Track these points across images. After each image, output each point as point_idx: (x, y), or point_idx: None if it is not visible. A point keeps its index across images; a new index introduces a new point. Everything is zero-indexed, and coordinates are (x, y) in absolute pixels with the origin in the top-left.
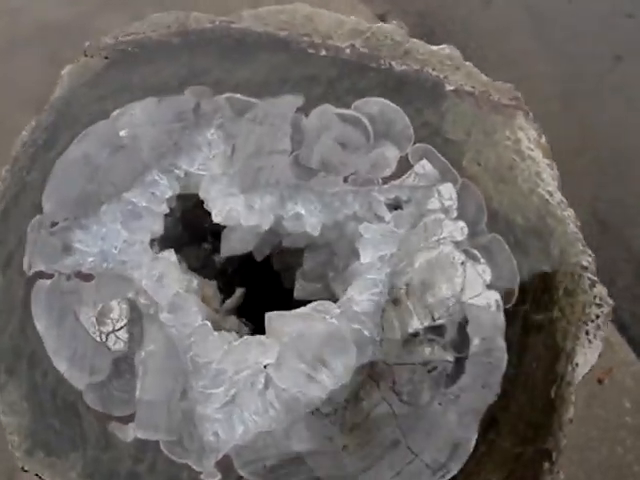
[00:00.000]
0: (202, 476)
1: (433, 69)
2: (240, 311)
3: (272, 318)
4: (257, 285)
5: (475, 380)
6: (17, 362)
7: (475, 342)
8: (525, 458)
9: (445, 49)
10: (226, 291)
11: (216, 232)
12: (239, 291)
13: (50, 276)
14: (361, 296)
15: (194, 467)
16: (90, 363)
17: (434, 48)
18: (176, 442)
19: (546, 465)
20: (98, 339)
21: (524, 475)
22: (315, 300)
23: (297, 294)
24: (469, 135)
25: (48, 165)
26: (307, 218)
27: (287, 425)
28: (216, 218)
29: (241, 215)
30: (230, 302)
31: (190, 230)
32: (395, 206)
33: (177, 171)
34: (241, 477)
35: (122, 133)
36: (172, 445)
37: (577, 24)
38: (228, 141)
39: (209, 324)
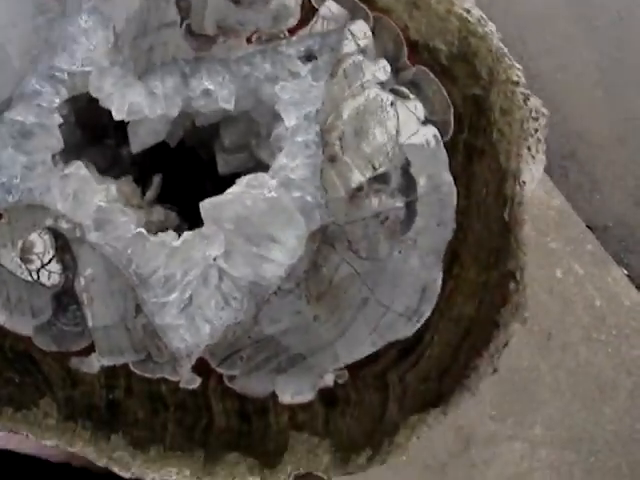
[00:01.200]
0: (181, 384)
1: None
2: (161, 198)
3: (207, 207)
4: (172, 166)
5: (429, 220)
6: None
7: (421, 182)
8: (492, 284)
9: None
10: (142, 182)
11: (118, 124)
12: (156, 178)
13: None
14: (295, 161)
15: (171, 378)
16: (29, 305)
17: None
18: (145, 359)
19: (512, 285)
20: (29, 279)
21: (493, 299)
22: (240, 172)
23: (221, 170)
24: None
25: None
26: (217, 92)
27: (253, 311)
28: (117, 115)
29: (144, 106)
30: (150, 192)
31: (89, 130)
32: (308, 58)
33: (58, 74)
34: (221, 375)
35: None
36: (142, 363)
37: (621, 10)
38: (106, 25)
39: (144, 231)
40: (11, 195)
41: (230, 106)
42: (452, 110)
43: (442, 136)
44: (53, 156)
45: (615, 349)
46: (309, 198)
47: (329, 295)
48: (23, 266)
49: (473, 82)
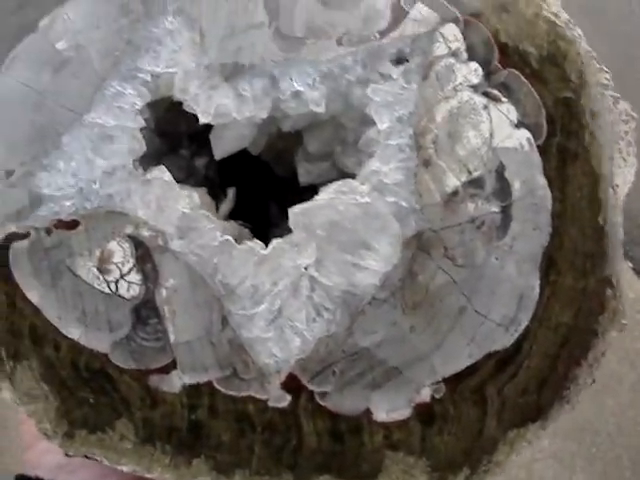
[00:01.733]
0: (270, 403)
1: None
2: (231, 214)
3: (297, 213)
4: (241, 182)
5: (525, 225)
6: (18, 343)
7: (516, 186)
8: (589, 290)
9: None
10: (212, 196)
11: (193, 134)
12: (231, 192)
13: (25, 235)
14: (388, 165)
15: (258, 396)
16: (107, 319)
17: None
18: (231, 376)
19: (609, 292)
20: (107, 290)
21: (591, 307)
22: (322, 182)
23: (302, 179)
24: None
25: None
26: (308, 94)
27: (346, 323)
28: (203, 118)
29: (232, 108)
30: (225, 206)
31: (165, 139)
32: (399, 60)
33: (141, 75)
34: (312, 392)
35: (60, 45)
36: (227, 381)
37: (633, 2)
38: (192, 26)
39: (231, 239)
40: (89, 201)
41: (321, 109)
42: (544, 113)
43: (535, 139)
44: (134, 161)
45: (619, 341)
46: (404, 203)
47: (425, 304)
48: (101, 277)
49: (563, 85)
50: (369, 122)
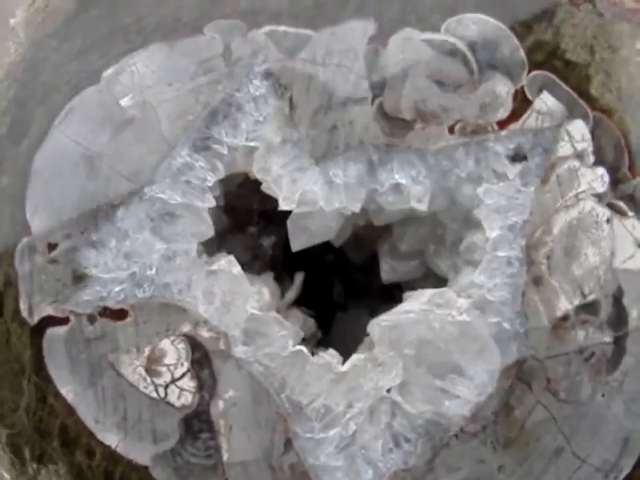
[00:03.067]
0: None
1: None
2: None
3: (383, 328)
4: (307, 265)
5: (639, 359)
6: (46, 444)
7: (634, 315)
8: None
9: None
10: (277, 279)
11: (263, 211)
12: (299, 277)
13: (64, 320)
14: (493, 280)
15: None
16: (151, 428)
17: None
18: None
19: None
20: (154, 395)
21: None
22: (404, 280)
23: (386, 277)
24: (592, 53)
25: (21, 162)
26: (410, 188)
27: (428, 456)
28: (285, 204)
29: (320, 196)
30: (292, 293)
31: (233, 215)
32: (518, 157)
33: (216, 146)
34: None
35: (125, 102)
36: None
37: None
38: (282, 94)
39: (304, 350)
40: (143, 289)
41: (423, 207)
42: None
43: None
44: (199, 245)
45: None
46: (507, 325)
47: (519, 443)
48: (148, 379)
49: None
50: (474, 225)
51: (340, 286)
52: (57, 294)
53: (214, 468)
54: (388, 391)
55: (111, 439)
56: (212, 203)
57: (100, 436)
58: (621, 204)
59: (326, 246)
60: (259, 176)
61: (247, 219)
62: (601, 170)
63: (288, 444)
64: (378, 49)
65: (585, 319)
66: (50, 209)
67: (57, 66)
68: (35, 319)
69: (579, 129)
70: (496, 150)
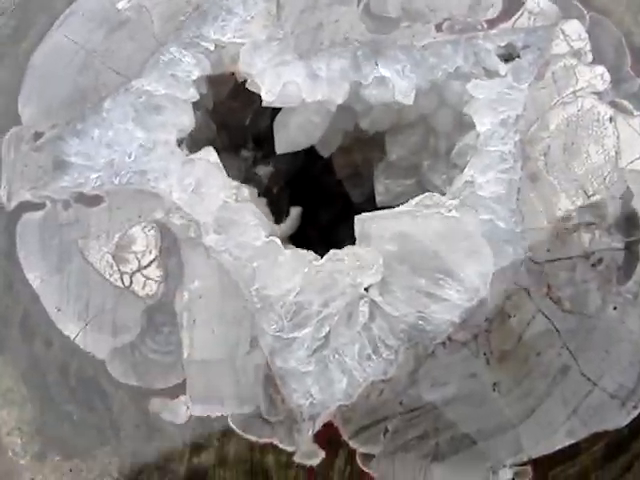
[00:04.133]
0: (296, 457)
1: None
2: (293, 239)
3: (364, 220)
4: (309, 206)
5: None
6: (6, 331)
7: None
8: None
9: None
10: (274, 215)
11: (258, 136)
12: (295, 211)
13: (40, 206)
14: (485, 176)
15: (283, 447)
16: (112, 319)
17: None
18: (252, 414)
19: None
20: (119, 283)
21: None
22: (400, 202)
23: (380, 198)
24: None
25: (21, 59)
26: (395, 81)
27: (410, 366)
28: (267, 97)
29: (303, 88)
30: (286, 225)
31: (225, 132)
32: (509, 56)
33: (204, 43)
34: (354, 451)
35: (121, 4)
36: (246, 420)
37: None
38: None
39: (277, 241)
40: (119, 177)
41: (409, 100)
42: None
43: None
44: (180, 140)
45: None
46: (501, 224)
47: (516, 356)
48: (115, 266)
49: None
50: (466, 127)
51: (346, 230)
52: (37, 180)
53: (173, 366)
54: (367, 290)
55: (71, 329)
56: (195, 96)
57: (60, 325)
58: (625, 103)
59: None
60: (243, 70)
61: (241, 141)
62: (601, 68)
63: (254, 343)
64: None
65: (590, 221)
66: (41, 101)
67: None
68: (12, 204)
69: (575, 29)
70: (486, 47)
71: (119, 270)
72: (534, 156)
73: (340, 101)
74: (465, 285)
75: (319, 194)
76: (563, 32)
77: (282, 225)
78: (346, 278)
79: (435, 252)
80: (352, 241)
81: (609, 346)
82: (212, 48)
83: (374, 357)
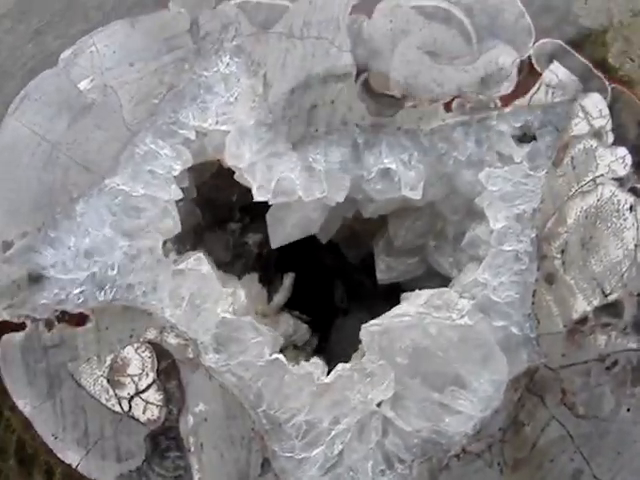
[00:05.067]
0: None
1: None
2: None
3: (372, 332)
4: (299, 264)
5: None
6: (2, 461)
7: None
8: None
9: None
10: (265, 281)
11: (246, 206)
12: (288, 279)
13: (21, 326)
14: (499, 278)
15: None
16: (114, 446)
17: None
18: None
19: None
20: (118, 409)
21: None
22: (403, 280)
23: (381, 277)
24: (610, 17)
25: None
26: (401, 174)
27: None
28: (259, 195)
29: (298, 185)
30: (280, 296)
31: (209, 209)
32: (525, 137)
33: (183, 132)
34: None
35: (83, 85)
36: None
37: None
38: (255, 71)
39: (282, 358)
40: (104, 291)
41: (417, 195)
42: None
43: None
44: (164, 243)
45: None
46: (515, 330)
47: (530, 463)
48: (111, 391)
49: None
50: (477, 215)
51: (342, 289)
52: (12, 297)
53: None
54: (379, 405)
55: (71, 457)
56: (179, 195)
57: (60, 454)
58: None
59: (326, 247)
60: (230, 163)
61: (227, 215)
62: (622, 150)
63: (266, 464)
64: (362, 19)
65: (606, 322)
66: (5, 204)
67: (11, 49)
68: None
69: (595, 104)
70: (500, 129)
71: (116, 395)
72: (551, 255)
73: (340, 199)
74: (479, 395)
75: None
76: (583, 108)
77: (276, 297)
78: (356, 394)
79: (447, 362)
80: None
81: (622, 447)
82: (193, 137)
83: (388, 472)
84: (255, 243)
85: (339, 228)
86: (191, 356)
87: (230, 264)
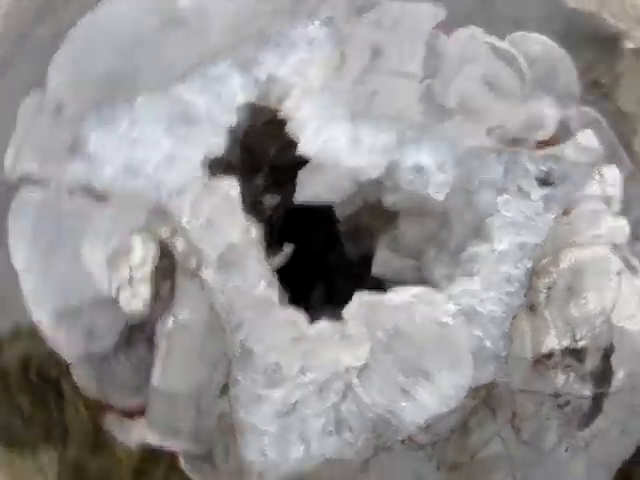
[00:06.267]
0: None
1: (612, 16)
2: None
3: (363, 302)
4: (302, 243)
5: (613, 425)
6: None
7: (619, 376)
8: None
9: None
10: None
11: (277, 165)
12: (288, 248)
13: (43, 185)
14: (488, 293)
15: None
16: (89, 322)
17: None
18: (203, 456)
19: None
20: (105, 289)
21: None
22: (396, 282)
23: (376, 269)
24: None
25: (65, 22)
26: (432, 173)
27: (368, 453)
28: (303, 148)
29: (342, 149)
30: (278, 260)
31: (246, 154)
32: (546, 181)
33: (257, 71)
34: None
35: (183, 3)
36: (197, 460)
37: None
38: (337, 44)
39: (275, 297)
40: (135, 178)
41: (440, 196)
42: None
43: None
44: (205, 159)
45: None
46: (489, 343)
47: (466, 470)
48: (106, 272)
49: None
50: (482, 236)
51: (321, 291)
52: (50, 154)
53: (138, 389)
54: (347, 371)
55: (43, 318)
56: (233, 121)
57: (34, 312)
58: (636, 262)
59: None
60: (287, 113)
61: (257, 165)
62: (624, 222)
63: (225, 390)
64: (442, 35)
65: (569, 364)
66: (73, 72)
67: None
68: (16, 173)
69: (613, 175)
70: (527, 167)
71: (109, 277)
72: (538, 288)
73: (375, 176)
74: (440, 392)
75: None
76: (601, 175)
77: (275, 259)
78: (329, 353)
79: (421, 352)
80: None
81: None
82: (263, 78)
83: (335, 436)
84: (270, 205)
85: (350, 215)
86: (192, 266)
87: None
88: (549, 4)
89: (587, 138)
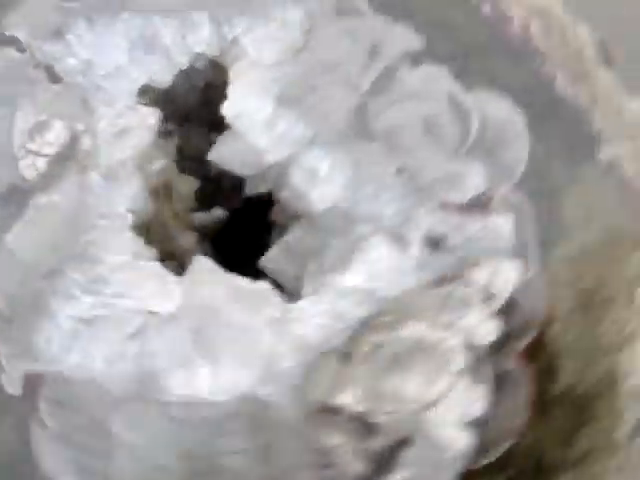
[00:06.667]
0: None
1: (603, 117)
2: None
3: (202, 263)
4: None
5: None
6: None
7: (403, 474)
8: None
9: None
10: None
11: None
12: (217, 212)
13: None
14: (315, 319)
15: None
16: None
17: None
18: (5, 317)
19: None
20: (15, 149)
21: None
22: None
23: (263, 262)
24: (588, 227)
25: None
26: (323, 182)
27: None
28: (225, 109)
29: (255, 127)
30: (203, 217)
31: (203, 105)
32: (432, 242)
33: (227, 30)
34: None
35: None
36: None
37: None
38: (307, 33)
39: (130, 221)
40: (85, 76)
41: (320, 205)
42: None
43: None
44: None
45: None
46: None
47: None
48: (26, 136)
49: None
50: (342, 264)
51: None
52: (36, 30)
53: None
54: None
55: None
56: (186, 65)
57: None
58: (488, 373)
59: None
60: (231, 76)
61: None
62: (495, 324)
63: (51, 274)
64: (406, 65)
65: (354, 431)
66: None
67: None
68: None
69: (509, 275)
70: (422, 219)
71: (25, 142)
72: (364, 340)
73: (271, 161)
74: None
75: None
76: (495, 267)
77: (199, 215)
78: (146, 291)
79: (228, 327)
80: None
81: None
82: (229, 39)
83: (115, 364)
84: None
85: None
86: (85, 163)
87: (188, 163)
88: (540, 87)
89: (503, 222)
